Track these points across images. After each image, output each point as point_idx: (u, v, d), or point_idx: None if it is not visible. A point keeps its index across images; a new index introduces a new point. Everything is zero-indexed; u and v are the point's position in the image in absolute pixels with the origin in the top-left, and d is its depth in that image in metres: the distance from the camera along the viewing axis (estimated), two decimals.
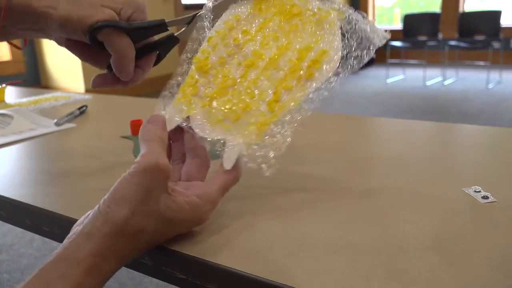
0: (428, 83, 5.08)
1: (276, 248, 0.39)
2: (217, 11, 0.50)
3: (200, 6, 0.52)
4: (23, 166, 0.67)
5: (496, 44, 4.93)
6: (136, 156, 0.39)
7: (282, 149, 0.43)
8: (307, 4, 0.48)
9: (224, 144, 0.44)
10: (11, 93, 1.36)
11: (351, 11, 0.46)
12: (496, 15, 5.10)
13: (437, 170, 0.57)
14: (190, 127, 0.45)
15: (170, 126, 0.45)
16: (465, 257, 0.36)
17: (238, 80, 0.46)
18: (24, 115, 0.88)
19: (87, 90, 3.86)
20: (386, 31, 0.46)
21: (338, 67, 0.44)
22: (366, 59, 0.45)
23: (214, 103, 0.46)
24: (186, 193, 0.40)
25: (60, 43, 0.51)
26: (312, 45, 0.46)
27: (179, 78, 0.49)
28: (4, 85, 1.22)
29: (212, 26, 0.50)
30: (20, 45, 0.59)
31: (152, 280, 1.47)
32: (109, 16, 0.47)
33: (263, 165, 0.42)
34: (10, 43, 0.55)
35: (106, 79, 0.51)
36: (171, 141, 0.47)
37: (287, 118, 0.44)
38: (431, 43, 5.35)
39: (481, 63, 5.67)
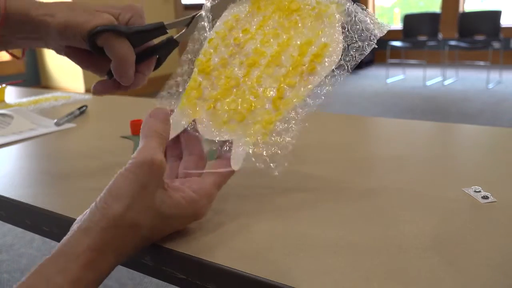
0: (428, 83, 5.08)
1: (276, 248, 0.39)
2: (216, 11, 0.50)
3: (200, 6, 0.52)
4: (23, 166, 0.67)
5: (496, 44, 4.93)
6: None
7: (289, 147, 0.43)
8: None
9: (223, 143, 0.44)
10: (11, 93, 1.36)
11: (349, 3, 0.46)
12: (496, 15, 5.10)
13: (437, 170, 0.57)
14: (196, 130, 0.45)
15: (176, 131, 0.45)
16: (465, 257, 0.36)
17: (241, 80, 0.46)
18: (24, 115, 0.88)
19: (87, 90, 3.86)
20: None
21: (340, 59, 0.44)
22: (368, 50, 0.44)
23: (219, 105, 0.46)
24: (182, 189, 0.40)
25: (59, 52, 0.51)
26: (312, 39, 0.46)
27: (178, 79, 0.49)
28: (4, 85, 1.22)
29: (212, 27, 0.50)
30: (20, 54, 0.59)
31: (152, 280, 1.47)
32: (108, 20, 0.47)
33: (272, 165, 0.42)
34: (8, 53, 0.54)
35: (107, 85, 0.51)
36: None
37: (292, 115, 0.44)
38: (431, 43, 5.35)
39: (481, 63, 5.67)
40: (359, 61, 0.44)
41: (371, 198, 0.48)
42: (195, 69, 0.48)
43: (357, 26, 0.45)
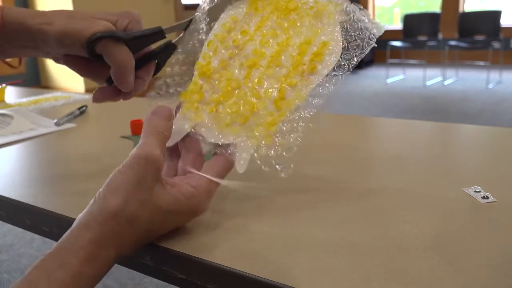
0: (428, 83, 5.08)
1: (276, 248, 0.39)
2: (213, 13, 0.50)
3: None
4: (23, 166, 0.67)
5: (496, 44, 4.93)
6: None
7: (294, 149, 0.43)
8: None
9: (227, 146, 0.44)
10: (11, 93, 1.36)
11: (347, 3, 0.46)
12: (496, 15, 5.10)
13: (437, 170, 0.57)
14: (200, 134, 0.45)
15: (179, 136, 0.45)
16: (465, 257, 0.36)
17: (242, 82, 0.46)
18: (24, 115, 0.88)
19: (87, 90, 3.86)
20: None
21: (340, 58, 0.44)
22: (367, 49, 0.45)
23: (221, 108, 0.45)
24: (181, 185, 0.41)
25: (57, 60, 0.51)
26: (312, 38, 0.46)
27: (168, 80, 0.49)
28: (4, 85, 1.22)
29: (210, 29, 0.50)
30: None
31: (152, 280, 1.47)
32: (106, 27, 0.47)
33: (278, 167, 0.42)
34: (4, 62, 0.54)
35: (107, 92, 0.51)
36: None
37: (295, 115, 0.44)
38: (431, 43, 5.35)
39: (481, 63, 5.67)
40: (359, 60, 0.44)
41: (371, 198, 0.48)
42: (195, 73, 0.48)
43: (356, 25, 0.45)
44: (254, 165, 0.43)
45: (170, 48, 0.51)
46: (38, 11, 0.48)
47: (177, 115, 0.46)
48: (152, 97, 0.49)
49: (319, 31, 0.46)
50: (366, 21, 0.45)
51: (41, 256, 0.35)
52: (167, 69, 0.50)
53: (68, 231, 0.36)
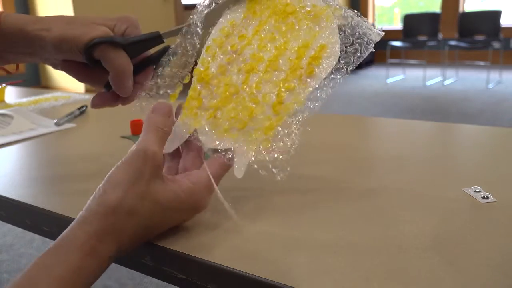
0: (428, 83, 5.08)
1: (276, 248, 0.39)
2: (211, 18, 0.50)
3: None
4: (23, 166, 0.67)
5: (496, 44, 4.93)
6: None
7: (291, 152, 0.43)
8: (301, 2, 0.48)
9: (226, 151, 0.44)
10: (11, 93, 1.36)
11: (345, 8, 0.46)
12: (496, 15, 5.10)
13: (437, 170, 0.57)
14: (199, 140, 0.45)
15: (179, 142, 0.45)
16: (465, 257, 0.36)
17: (240, 87, 0.46)
18: (24, 115, 0.88)
19: (87, 90, 3.86)
20: (383, 30, 0.46)
21: (338, 62, 0.44)
22: (365, 54, 0.45)
23: (219, 113, 0.45)
24: (181, 181, 0.41)
25: (55, 66, 0.51)
26: (310, 42, 0.46)
27: (159, 81, 0.49)
28: (4, 85, 1.22)
29: (208, 34, 0.50)
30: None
31: (152, 280, 1.47)
32: (104, 32, 0.47)
33: (274, 170, 0.42)
34: (1, 68, 0.54)
35: (105, 98, 0.51)
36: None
37: (293, 120, 0.44)
38: (431, 43, 5.35)
39: (481, 63, 5.67)
40: (357, 63, 0.45)
41: (371, 198, 0.48)
42: (194, 78, 0.48)
43: (354, 30, 0.45)
44: (252, 166, 0.43)
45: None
46: (36, 17, 0.48)
47: (177, 121, 0.46)
48: (142, 98, 0.49)
49: (317, 34, 0.46)
50: (364, 26, 0.45)
51: None
52: (158, 69, 0.50)
53: (68, 227, 0.36)
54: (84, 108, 0.97)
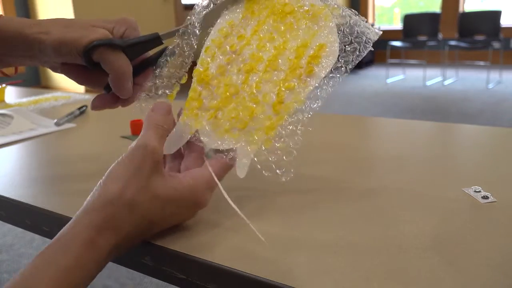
0: (428, 83, 5.08)
1: (276, 248, 0.39)
2: (210, 19, 0.50)
3: None
4: (23, 166, 0.67)
5: (496, 44, 4.93)
6: None
7: (294, 153, 0.43)
8: (299, 2, 0.48)
9: (227, 151, 0.44)
10: (11, 93, 1.36)
11: (344, 7, 0.47)
12: (496, 15, 5.10)
13: (437, 170, 0.57)
14: (200, 141, 0.45)
15: (180, 143, 0.45)
16: (465, 257, 0.36)
17: (240, 87, 0.46)
18: (24, 115, 0.88)
19: (87, 90, 3.86)
20: (383, 30, 0.46)
21: (337, 60, 0.44)
22: (364, 53, 0.45)
23: (220, 114, 0.46)
24: (181, 177, 0.41)
25: (55, 69, 0.51)
26: (308, 41, 0.46)
27: (157, 81, 0.49)
28: (4, 85, 1.22)
29: (206, 35, 0.50)
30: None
31: (152, 280, 1.47)
32: (103, 35, 0.47)
33: (278, 171, 0.42)
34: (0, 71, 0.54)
35: (105, 100, 0.51)
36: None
37: (293, 119, 0.44)
38: (431, 43, 5.35)
39: (481, 63, 5.67)
40: (356, 62, 0.45)
41: (371, 198, 0.48)
42: (194, 79, 0.48)
43: (352, 29, 0.45)
44: (254, 166, 0.43)
45: None
46: (35, 20, 0.48)
47: (178, 122, 0.46)
48: (142, 99, 0.49)
49: (315, 33, 0.46)
50: (362, 25, 0.45)
51: None
52: (156, 70, 0.50)
53: (70, 221, 0.37)
54: (84, 108, 0.97)
